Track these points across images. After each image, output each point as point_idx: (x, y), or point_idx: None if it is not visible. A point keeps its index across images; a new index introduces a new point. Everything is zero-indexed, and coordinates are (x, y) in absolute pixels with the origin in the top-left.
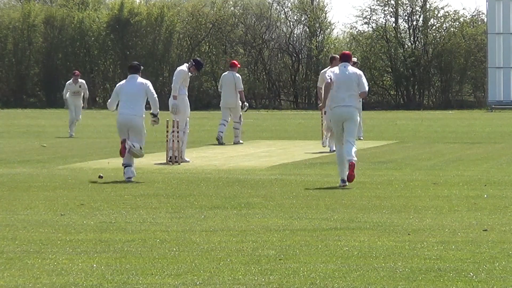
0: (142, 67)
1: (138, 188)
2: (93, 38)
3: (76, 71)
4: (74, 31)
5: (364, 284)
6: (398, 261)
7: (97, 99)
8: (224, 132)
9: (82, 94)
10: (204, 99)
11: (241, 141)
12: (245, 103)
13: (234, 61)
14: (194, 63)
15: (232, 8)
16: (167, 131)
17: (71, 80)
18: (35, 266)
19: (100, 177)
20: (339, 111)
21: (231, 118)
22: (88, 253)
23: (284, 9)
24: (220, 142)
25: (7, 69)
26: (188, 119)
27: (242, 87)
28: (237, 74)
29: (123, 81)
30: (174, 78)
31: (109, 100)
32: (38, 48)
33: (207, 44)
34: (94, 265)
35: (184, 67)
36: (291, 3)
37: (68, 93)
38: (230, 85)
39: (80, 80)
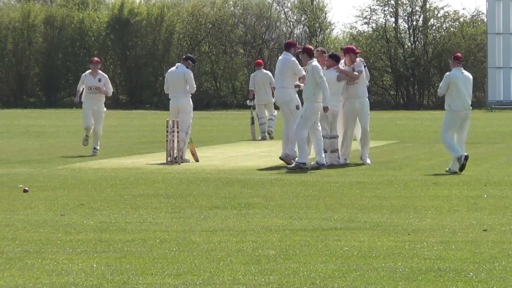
0: None
1: (138, 188)
2: (93, 38)
3: (95, 58)
4: (74, 31)
5: (364, 284)
6: (398, 261)
7: None
8: (273, 126)
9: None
10: (204, 99)
11: (272, 132)
12: None
13: (259, 60)
14: (192, 62)
15: (232, 8)
16: (167, 131)
17: (87, 72)
18: (35, 266)
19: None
20: None
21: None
22: (88, 253)
23: (284, 9)
24: (270, 137)
25: (7, 69)
26: (191, 120)
27: None
28: (268, 71)
29: None
30: (189, 80)
31: None
32: (38, 48)
33: (207, 44)
34: (94, 265)
35: (184, 67)
36: (291, 3)
37: (83, 89)
38: (263, 83)
39: (100, 71)
